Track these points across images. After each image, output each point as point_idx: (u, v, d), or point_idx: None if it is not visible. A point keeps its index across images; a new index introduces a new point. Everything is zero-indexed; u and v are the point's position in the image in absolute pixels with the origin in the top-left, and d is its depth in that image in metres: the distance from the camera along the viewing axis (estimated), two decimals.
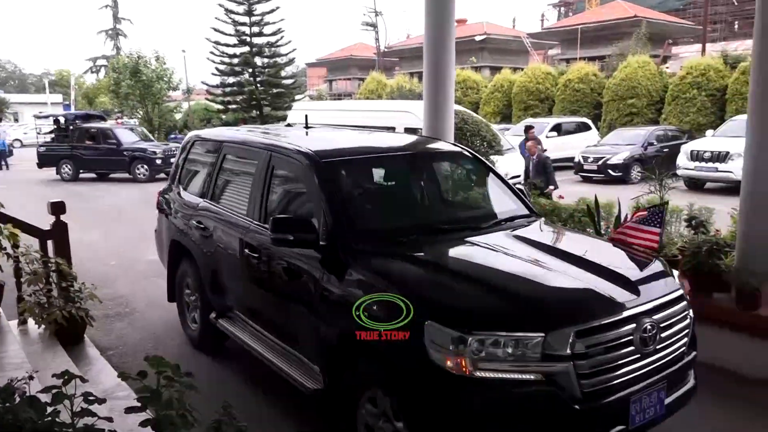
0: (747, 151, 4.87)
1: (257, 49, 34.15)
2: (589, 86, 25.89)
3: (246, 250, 4.28)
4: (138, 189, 17.62)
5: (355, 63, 56.45)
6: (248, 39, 33.97)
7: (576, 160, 18.16)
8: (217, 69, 35.08)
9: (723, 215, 6.05)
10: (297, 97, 35.45)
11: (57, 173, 20.89)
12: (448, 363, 2.78)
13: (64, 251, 5.21)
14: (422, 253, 3.62)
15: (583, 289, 3.14)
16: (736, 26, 43.47)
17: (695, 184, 15.36)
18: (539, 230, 4.16)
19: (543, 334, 2.77)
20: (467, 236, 3.76)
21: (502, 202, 4.47)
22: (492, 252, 3.56)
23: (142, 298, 6.93)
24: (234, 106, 34.38)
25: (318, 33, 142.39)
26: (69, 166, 20.69)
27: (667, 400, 3.13)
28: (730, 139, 14.04)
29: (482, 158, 4.92)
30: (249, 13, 33.55)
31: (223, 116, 34.81)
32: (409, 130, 10.07)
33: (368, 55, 54.56)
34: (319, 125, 5.90)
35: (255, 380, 4.68)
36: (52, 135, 23.01)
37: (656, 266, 3.54)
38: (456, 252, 3.71)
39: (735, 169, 12.99)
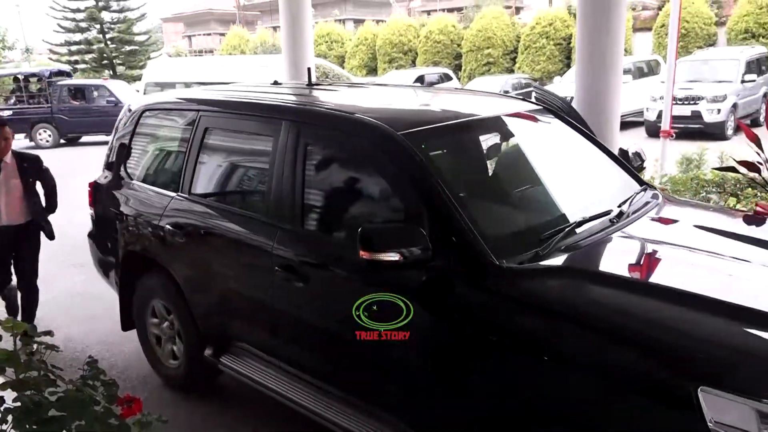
0: (576, 93, 5.40)
1: (104, 2, 31.70)
2: (449, 37, 26.66)
3: (276, 267, 2.89)
4: None
5: (214, 17, 53.91)
6: None
7: None
8: (59, 25, 32.21)
9: None
10: (153, 54, 33.48)
11: (30, 140, 17.61)
12: None
13: None
14: (590, 265, 2.51)
15: None
16: None
17: None
18: (681, 209, 3.27)
19: None
20: (616, 229, 2.64)
21: (613, 175, 3.33)
22: (679, 252, 2.53)
23: None
24: (83, 66, 31.89)
25: None
26: (49, 131, 17.67)
27: None
28: (573, 84, 15.20)
29: (570, 119, 3.59)
30: None
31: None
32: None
33: (228, 9, 52.25)
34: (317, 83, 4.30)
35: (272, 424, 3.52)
36: (14, 97, 19.13)
37: None
38: (639, 258, 2.62)
39: None
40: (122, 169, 4.08)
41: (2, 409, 1.97)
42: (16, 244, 4.56)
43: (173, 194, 3.59)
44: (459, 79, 24.26)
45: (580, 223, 2.56)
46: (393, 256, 2.29)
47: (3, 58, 32.25)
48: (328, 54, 28.45)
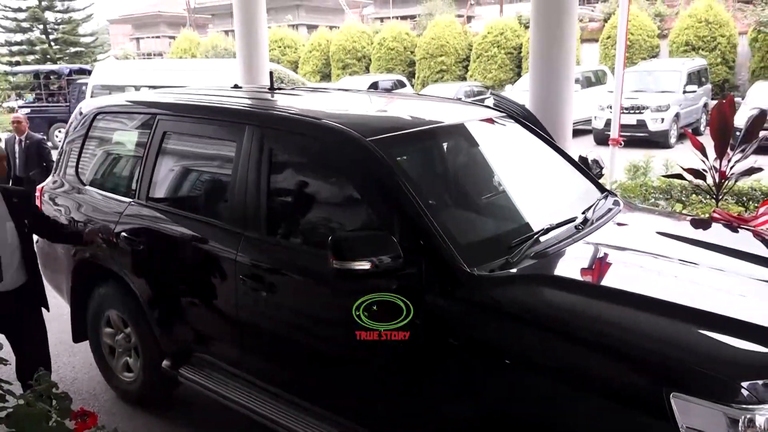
0: (530, 101, 5.52)
1: (47, 2, 30.71)
2: (403, 44, 26.82)
3: (240, 275, 2.82)
4: None
5: (164, 20, 52.76)
6: None
7: None
8: (0, 25, 31.03)
9: None
10: (99, 56, 32.63)
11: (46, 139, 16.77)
12: None
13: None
14: (560, 272, 2.54)
15: None
16: None
17: None
18: (641, 215, 3.37)
19: None
20: (582, 236, 2.66)
21: (575, 181, 3.35)
22: (646, 258, 2.57)
23: None
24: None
25: None
26: None
27: None
28: (525, 93, 15.51)
29: (528, 123, 3.64)
30: None
31: (13, 78, 31.04)
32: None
33: (178, 12, 51.27)
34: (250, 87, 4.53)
35: None
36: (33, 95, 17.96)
37: None
38: (608, 265, 2.64)
39: None
40: (74, 173, 3.91)
41: None
42: (15, 316, 3.29)
43: (129, 200, 3.47)
44: (413, 86, 24.43)
45: (547, 230, 2.58)
46: (364, 265, 2.26)
47: None
48: (282, 59, 28.23)
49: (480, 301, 2.24)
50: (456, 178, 3.26)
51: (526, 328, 2.14)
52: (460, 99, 16.17)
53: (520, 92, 16.11)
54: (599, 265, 2.63)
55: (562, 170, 3.42)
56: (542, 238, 2.55)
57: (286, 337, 2.86)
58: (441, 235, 2.34)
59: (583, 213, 2.82)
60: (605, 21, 23.50)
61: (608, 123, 13.76)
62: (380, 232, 2.41)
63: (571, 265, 2.58)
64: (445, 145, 3.25)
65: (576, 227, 2.70)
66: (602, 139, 13.23)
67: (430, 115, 3.36)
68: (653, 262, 2.54)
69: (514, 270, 2.35)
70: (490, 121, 3.41)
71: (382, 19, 38.08)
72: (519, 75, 22.25)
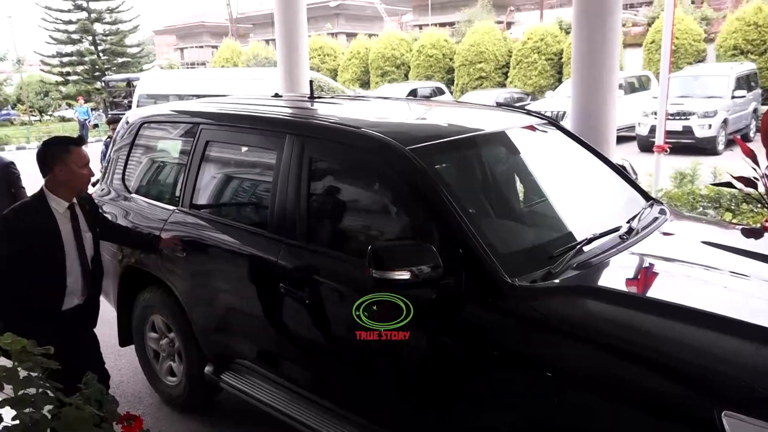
0: (572, 108, 5.43)
1: (96, 15, 31.72)
2: (441, 51, 26.80)
3: (280, 283, 2.85)
4: None
5: (206, 30, 54.04)
6: (85, 4, 31.41)
7: None
8: (51, 37, 32.17)
9: None
10: (145, 66, 33.51)
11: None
12: None
13: None
14: (605, 283, 2.43)
15: None
16: None
17: None
18: (690, 224, 3.26)
19: None
20: (627, 246, 2.58)
21: (619, 189, 3.27)
22: (695, 269, 2.46)
23: None
24: (75, 78, 31.82)
25: None
26: None
27: None
28: (566, 99, 15.33)
29: (568, 129, 3.58)
30: None
31: (63, 88, 32.11)
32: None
33: (221, 22, 52.39)
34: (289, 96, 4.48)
35: None
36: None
37: None
38: (654, 276, 2.53)
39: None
40: (120, 181, 4.00)
41: (1, 427, 1.93)
42: (78, 334, 3.13)
43: (173, 208, 3.54)
44: (451, 93, 24.38)
45: (590, 240, 2.51)
46: (404, 275, 2.23)
47: None
48: (321, 67, 28.53)
49: (521, 313, 2.19)
50: (496, 186, 3.22)
51: (569, 341, 2.08)
52: (499, 104, 16.05)
53: (561, 98, 15.93)
54: (645, 276, 2.53)
55: (606, 178, 3.34)
56: (585, 248, 2.48)
57: (324, 345, 2.84)
58: (481, 244, 2.30)
59: (628, 222, 2.74)
60: (649, 25, 23.05)
61: (653, 129, 13.47)
62: (420, 242, 2.38)
63: (615, 277, 2.49)
64: (485, 153, 3.20)
65: (620, 237, 2.62)
66: (646, 145, 12.93)
67: (469, 122, 3.30)
68: (702, 273, 2.44)
69: (556, 281, 2.28)
70: (531, 128, 3.35)
71: (420, 27, 38.15)
72: (560, 81, 21.97)
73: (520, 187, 3.26)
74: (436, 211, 2.42)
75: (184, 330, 3.53)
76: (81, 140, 3.10)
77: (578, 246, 2.46)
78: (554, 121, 3.64)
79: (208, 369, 3.41)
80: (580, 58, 5.23)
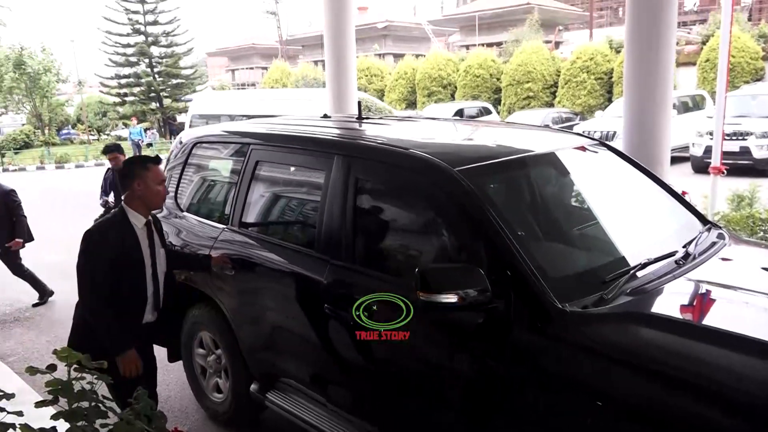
0: (624, 129, 5.31)
1: (153, 38, 32.93)
2: (488, 71, 26.73)
3: (325, 303, 2.86)
4: None
5: (257, 52, 55.35)
6: (143, 28, 32.68)
7: None
8: (110, 60, 33.55)
9: None
10: (198, 87, 34.51)
11: None
12: None
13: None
14: (661, 310, 2.35)
15: None
16: (620, 12, 46.22)
17: None
18: (756, 250, 3.17)
19: None
20: (684, 272, 2.48)
21: (674, 212, 3.18)
22: (757, 298, 2.37)
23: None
24: (131, 99, 33.03)
25: (217, 21, 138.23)
26: None
27: None
28: (616, 119, 15.04)
29: (620, 150, 3.53)
30: (143, 1, 32.22)
31: (120, 109, 33.34)
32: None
33: (270, 44, 53.65)
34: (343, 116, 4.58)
35: None
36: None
37: None
38: (714, 304, 2.41)
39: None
40: (173, 199, 4.09)
41: None
42: (146, 350, 3.28)
43: (223, 226, 3.60)
44: (498, 112, 24.25)
45: (644, 265, 2.42)
46: (451, 298, 2.20)
47: (57, 90, 33.58)
48: (368, 88, 28.83)
49: (572, 339, 2.11)
50: (546, 208, 3.15)
51: (621, 369, 2.00)
52: (547, 126, 15.89)
53: (611, 118, 15.64)
54: (703, 304, 2.41)
55: (660, 200, 3.24)
56: (639, 274, 2.40)
57: (366, 368, 2.82)
58: (530, 267, 2.24)
59: (685, 247, 2.65)
60: (703, 44, 22.48)
61: (707, 150, 13.05)
62: (468, 265, 2.34)
63: (671, 304, 2.39)
64: (534, 174, 3.14)
65: (677, 262, 2.53)
66: (700, 167, 12.55)
67: (518, 143, 3.26)
68: (763, 301, 2.33)
69: (609, 307, 2.20)
70: (582, 149, 3.29)
71: (467, 47, 38.22)
72: (609, 101, 21.60)
73: (570, 209, 3.17)
74: (485, 233, 2.38)
75: (231, 347, 3.56)
76: (158, 159, 3.25)
77: (632, 271, 2.38)
78: (605, 143, 3.56)
79: (253, 387, 3.43)
80: (633, 77, 5.13)
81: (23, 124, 32.83)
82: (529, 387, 2.16)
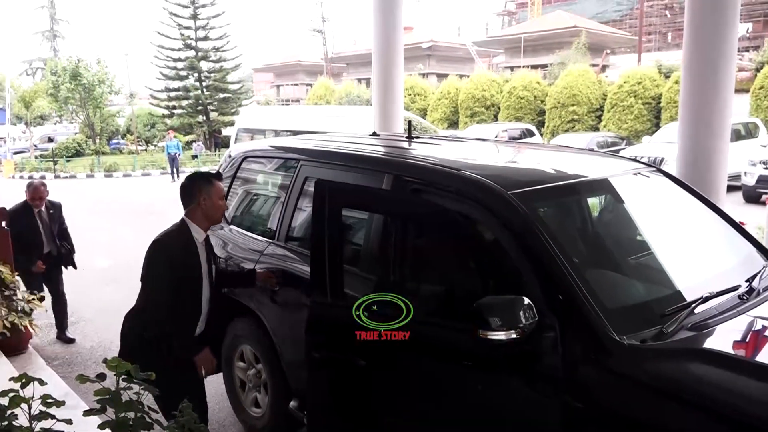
0: (678, 156, 5.17)
1: (203, 53, 33.75)
2: (533, 93, 26.55)
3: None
4: None
5: (302, 68, 56.21)
6: (194, 43, 33.54)
7: None
8: (161, 73, 34.48)
9: None
10: (244, 102, 35.17)
11: None
12: None
13: (5, 258, 5.06)
14: (726, 348, 2.25)
15: None
16: (669, 37, 45.49)
17: None
18: None
19: None
20: (748, 308, 2.36)
21: (733, 244, 3.04)
22: None
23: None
24: (179, 111, 33.86)
25: (265, 37, 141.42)
26: None
27: None
28: (665, 144, 14.71)
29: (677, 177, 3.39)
30: (194, 17, 33.12)
31: (168, 121, 34.21)
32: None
33: (316, 61, 54.45)
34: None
35: None
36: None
37: None
38: None
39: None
40: None
41: None
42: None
43: (269, 240, 3.61)
44: (542, 135, 24.00)
45: (705, 299, 2.31)
46: (511, 335, 2.09)
47: (109, 102, 34.69)
48: (411, 107, 28.93)
49: (629, 374, 2.02)
50: (601, 236, 3.07)
51: (681, 408, 1.90)
52: (593, 149, 15.62)
53: (660, 144, 15.31)
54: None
55: (720, 230, 3.10)
56: (699, 308, 2.29)
57: (404, 388, 2.70)
58: (587, 297, 2.14)
59: (748, 281, 2.53)
60: (757, 70, 21.89)
61: (761, 179, 12.65)
62: (522, 297, 2.19)
63: (737, 342, 2.28)
64: (589, 200, 3.05)
65: (740, 297, 2.41)
66: (752, 196, 12.14)
67: (572, 168, 3.16)
68: None
69: (669, 342, 2.11)
70: (636, 174, 3.19)
71: (512, 68, 38.07)
72: (657, 126, 21.17)
73: (626, 237, 3.07)
74: (539, 260, 2.29)
75: (272, 362, 3.53)
76: (220, 175, 3.33)
77: (693, 305, 2.28)
78: (660, 168, 3.45)
79: (293, 404, 3.37)
80: (689, 102, 5.01)
81: (76, 133, 33.94)
82: (581, 422, 2.07)
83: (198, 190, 3.10)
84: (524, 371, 2.24)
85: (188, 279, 3.07)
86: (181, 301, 3.02)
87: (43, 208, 5.67)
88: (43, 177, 23.72)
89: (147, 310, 3.06)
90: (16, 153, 30.58)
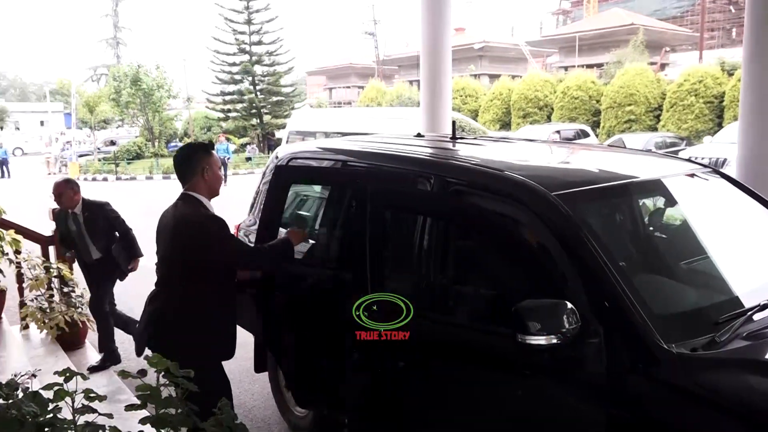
0: (738, 156, 4.94)
1: (257, 57, 34.42)
2: (588, 93, 25.97)
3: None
4: None
5: (354, 71, 56.63)
6: (248, 48, 34.25)
7: None
8: (217, 77, 35.36)
9: None
10: (297, 105, 35.66)
11: None
12: None
13: (65, 256, 5.26)
14: None
15: None
16: (734, 34, 43.64)
17: None
18: None
19: None
20: None
21: None
22: None
23: None
24: (234, 114, 34.64)
25: (317, 41, 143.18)
26: None
27: None
28: (727, 145, 14.12)
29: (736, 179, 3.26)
30: (249, 22, 33.83)
31: (224, 124, 35.04)
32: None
33: (367, 64, 54.77)
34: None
35: None
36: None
37: None
38: None
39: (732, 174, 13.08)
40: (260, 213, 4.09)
41: None
42: None
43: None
44: (597, 136, 23.44)
45: (763, 307, 2.18)
46: (551, 340, 2.03)
47: (167, 106, 35.75)
48: (462, 108, 28.73)
49: (679, 384, 1.93)
50: (651, 239, 2.94)
51: (736, 423, 1.81)
52: (650, 150, 15.14)
53: (722, 144, 14.70)
54: None
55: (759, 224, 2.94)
56: (756, 316, 2.17)
57: (450, 390, 2.63)
58: (633, 303, 2.05)
59: None
60: None
61: None
62: (564, 302, 2.12)
63: None
64: (638, 202, 2.94)
65: None
66: None
67: (622, 168, 3.05)
68: None
69: (722, 351, 2.00)
70: (692, 176, 3.05)
71: (566, 68, 37.36)
72: (719, 126, 20.36)
73: (678, 241, 2.95)
74: (583, 264, 2.21)
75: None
76: (212, 144, 3.26)
77: (749, 313, 2.15)
78: (718, 170, 3.30)
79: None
80: (750, 100, 4.79)
81: (136, 137, 35.15)
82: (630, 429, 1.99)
83: (199, 162, 2.97)
84: (566, 378, 2.17)
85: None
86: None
87: (77, 210, 4.79)
88: (105, 179, 24.73)
89: (263, 259, 3.14)
90: (80, 156, 31.86)
